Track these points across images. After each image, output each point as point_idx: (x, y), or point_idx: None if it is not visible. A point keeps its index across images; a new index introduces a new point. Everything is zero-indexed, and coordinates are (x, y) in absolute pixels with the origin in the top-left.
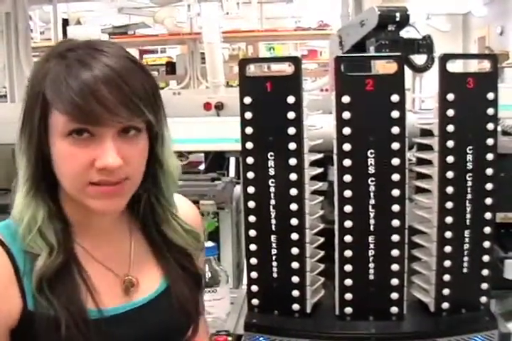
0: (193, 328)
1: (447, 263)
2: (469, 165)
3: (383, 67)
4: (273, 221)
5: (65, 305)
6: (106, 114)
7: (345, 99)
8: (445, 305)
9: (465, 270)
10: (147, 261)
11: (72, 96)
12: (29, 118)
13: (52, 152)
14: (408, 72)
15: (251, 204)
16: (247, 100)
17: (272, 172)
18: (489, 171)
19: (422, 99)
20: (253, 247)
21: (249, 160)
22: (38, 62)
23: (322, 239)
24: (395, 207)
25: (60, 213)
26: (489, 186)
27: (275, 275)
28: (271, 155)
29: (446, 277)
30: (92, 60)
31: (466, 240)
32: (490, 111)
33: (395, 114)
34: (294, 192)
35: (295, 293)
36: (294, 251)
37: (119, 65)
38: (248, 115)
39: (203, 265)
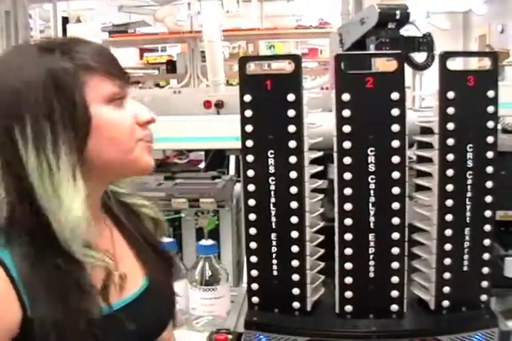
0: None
1: (447, 261)
2: (469, 163)
3: (383, 64)
4: (273, 219)
5: (65, 310)
6: (127, 73)
7: (345, 96)
8: (445, 303)
9: (465, 268)
10: (126, 253)
11: (111, 62)
12: (61, 104)
13: (92, 123)
14: (408, 70)
15: (251, 202)
16: (247, 98)
17: (272, 170)
18: (489, 169)
19: (422, 97)
20: (253, 245)
21: (249, 158)
22: (28, 61)
23: (322, 237)
24: (395, 205)
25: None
26: (489, 184)
27: (275, 273)
28: (271, 153)
29: (447, 275)
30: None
31: (466, 238)
32: (490, 109)
33: (395, 111)
34: (294, 190)
35: (295, 291)
36: (294, 249)
37: None
38: (248, 113)
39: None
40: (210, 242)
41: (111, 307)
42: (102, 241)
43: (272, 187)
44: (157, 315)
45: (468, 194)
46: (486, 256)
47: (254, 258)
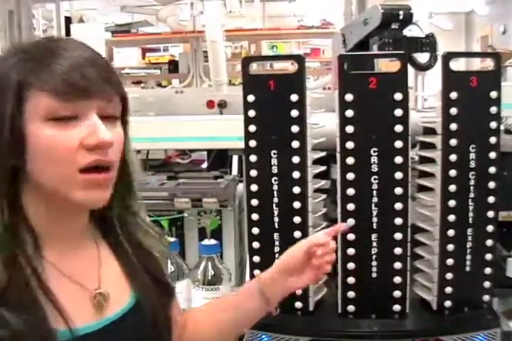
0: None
1: (450, 261)
2: (472, 164)
3: (386, 65)
4: (276, 219)
5: (29, 329)
6: (91, 87)
7: (349, 97)
8: (448, 303)
9: (468, 268)
10: (115, 273)
11: (56, 73)
12: None
13: (28, 142)
14: (411, 70)
15: (254, 202)
16: (251, 98)
17: (274, 170)
18: (492, 170)
19: (425, 98)
20: (256, 245)
21: (253, 158)
22: None
23: None
24: (398, 205)
25: (24, 223)
26: (492, 184)
27: None
28: (274, 154)
29: (449, 275)
30: (65, 44)
31: (469, 238)
32: (493, 109)
33: (398, 112)
34: (296, 190)
35: (298, 290)
36: None
37: (90, 50)
38: (251, 113)
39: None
40: (212, 242)
41: (71, 330)
42: (84, 260)
43: (275, 187)
44: (141, 337)
45: (471, 194)
46: (489, 256)
47: (256, 258)
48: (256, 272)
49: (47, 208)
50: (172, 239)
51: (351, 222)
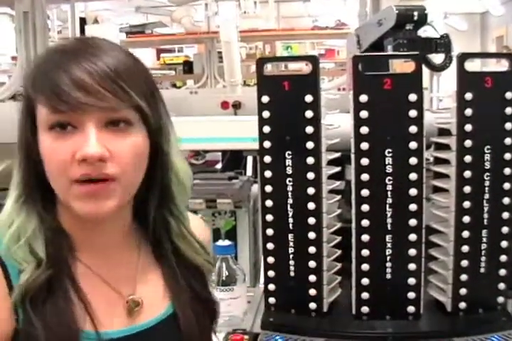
0: None
1: (464, 262)
2: (487, 165)
3: (401, 66)
4: (290, 220)
5: (52, 326)
6: (87, 99)
7: (363, 98)
8: (462, 304)
9: (482, 270)
10: (155, 281)
11: (50, 86)
12: (20, 118)
13: (40, 150)
14: (425, 70)
15: (268, 203)
16: (265, 99)
17: (289, 171)
18: (507, 171)
19: (440, 99)
20: (270, 246)
21: (267, 159)
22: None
23: (339, 238)
24: (412, 207)
25: (56, 224)
26: (507, 186)
27: (292, 274)
28: (288, 154)
29: (463, 277)
30: (76, 49)
31: (484, 240)
32: (508, 110)
33: (413, 113)
34: (311, 191)
35: (312, 291)
36: (311, 250)
37: (108, 54)
38: (266, 114)
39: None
40: (227, 243)
41: (99, 333)
42: (122, 265)
43: (289, 188)
44: None
45: (486, 196)
46: (503, 257)
47: (271, 259)
48: (270, 273)
49: (74, 215)
50: None
51: None
